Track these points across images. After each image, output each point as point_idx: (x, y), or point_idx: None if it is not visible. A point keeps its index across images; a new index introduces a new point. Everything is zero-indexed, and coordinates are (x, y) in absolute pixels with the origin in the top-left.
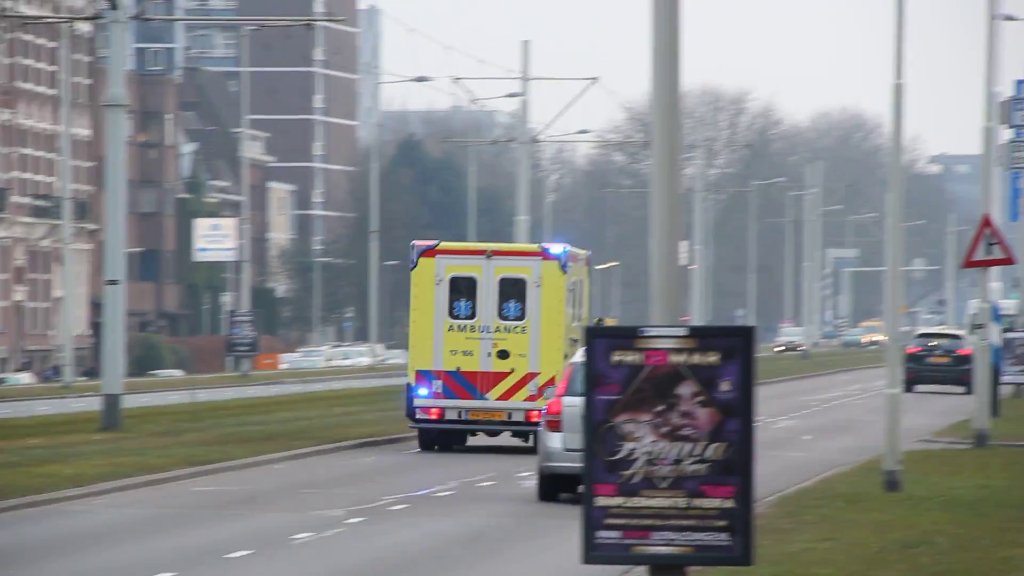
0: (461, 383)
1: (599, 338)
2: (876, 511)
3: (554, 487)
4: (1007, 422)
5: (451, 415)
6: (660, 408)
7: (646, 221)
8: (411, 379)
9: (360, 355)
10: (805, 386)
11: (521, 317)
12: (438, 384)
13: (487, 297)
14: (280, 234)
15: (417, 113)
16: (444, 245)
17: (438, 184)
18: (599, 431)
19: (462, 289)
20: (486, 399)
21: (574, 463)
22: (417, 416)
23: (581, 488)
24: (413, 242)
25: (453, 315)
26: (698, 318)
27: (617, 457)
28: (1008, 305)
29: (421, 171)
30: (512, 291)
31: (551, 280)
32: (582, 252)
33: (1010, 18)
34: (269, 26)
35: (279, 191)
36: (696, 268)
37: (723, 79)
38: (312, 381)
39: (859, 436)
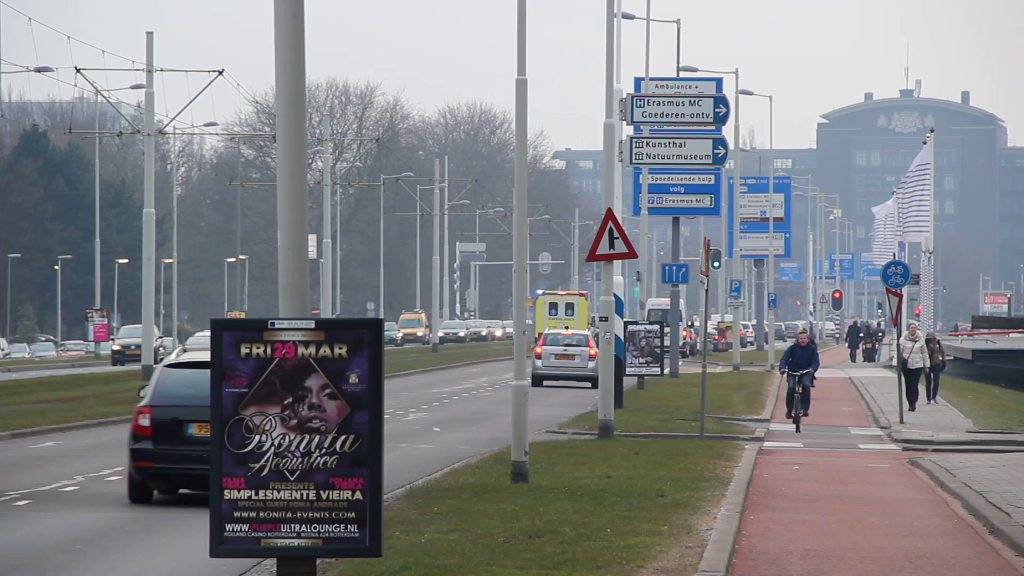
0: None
1: (227, 331)
2: (503, 502)
3: (539, 381)
4: (630, 413)
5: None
6: (289, 400)
7: (275, 215)
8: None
9: None
10: (434, 379)
11: (573, 315)
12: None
13: (562, 308)
14: None
15: (39, 104)
16: (547, 291)
17: (64, 176)
18: (227, 424)
19: (553, 305)
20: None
21: (546, 371)
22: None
23: (550, 382)
24: (537, 290)
25: (550, 314)
26: (327, 311)
27: (246, 450)
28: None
29: (46, 163)
30: (569, 307)
31: (583, 303)
32: (585, 292)
33: (629, 16)
34: None
35: None
36: (325, 262)
37: (350, 73)
38: None
39: (488, 428)
